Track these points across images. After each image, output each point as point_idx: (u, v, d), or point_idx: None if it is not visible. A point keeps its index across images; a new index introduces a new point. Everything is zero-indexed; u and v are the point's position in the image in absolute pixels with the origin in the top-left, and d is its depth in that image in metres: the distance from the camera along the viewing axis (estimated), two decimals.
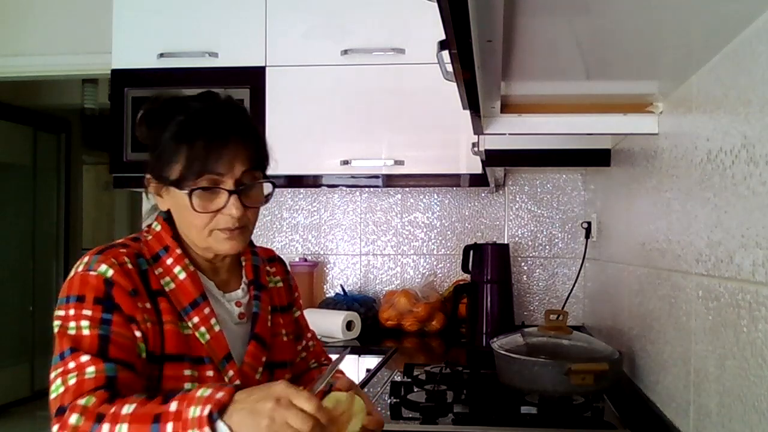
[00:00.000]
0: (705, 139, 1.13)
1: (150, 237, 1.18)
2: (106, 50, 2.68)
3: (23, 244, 5.78)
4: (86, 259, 1.10)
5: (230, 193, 1.11)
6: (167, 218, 1.18)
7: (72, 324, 1.04)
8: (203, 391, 0.95)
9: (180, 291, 1.13)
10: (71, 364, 1.00)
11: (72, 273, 1.09)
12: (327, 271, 2.95)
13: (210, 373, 1.11)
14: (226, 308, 1.19)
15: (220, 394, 0.94)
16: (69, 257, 6.17)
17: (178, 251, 1.15)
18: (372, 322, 2.70)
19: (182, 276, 1.14)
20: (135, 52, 2.65)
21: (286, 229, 2.95)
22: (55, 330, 1.05)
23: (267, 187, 1.18)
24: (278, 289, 1.32)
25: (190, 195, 1.09)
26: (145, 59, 2.62)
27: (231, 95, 1.22)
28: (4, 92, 4.98)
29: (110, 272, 1.07)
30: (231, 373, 1.13)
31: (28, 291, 5.78)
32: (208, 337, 1.12)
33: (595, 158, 2.04)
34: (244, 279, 1.25)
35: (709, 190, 1.10)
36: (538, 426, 1.50)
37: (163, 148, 1.12)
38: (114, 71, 2.67)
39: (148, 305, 1.09)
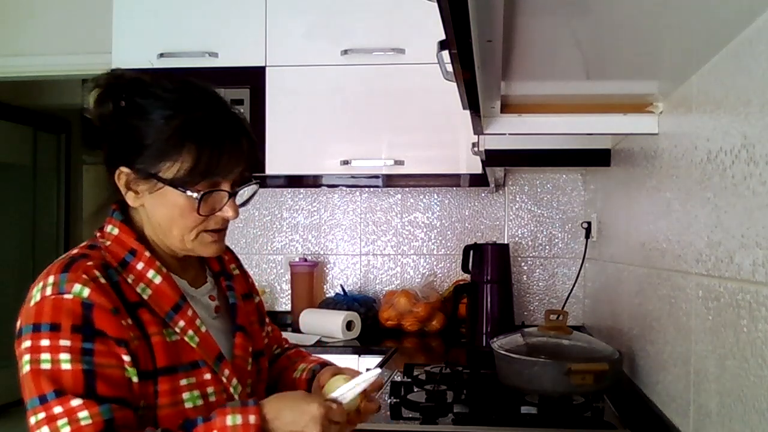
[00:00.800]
0: (705, 139, 1.13)
1: (108, 242, 1.08)
2: (106, 50, 2.68)
3: (23, 244, 5.77)
4: (51, 278, 0.98)
5: (230, 195, 1.07)
6: (123, 219, 1.10)
7: (46, 356, 0.93)
8: (233, 419, 0.93)
9: (159, 296, 1.05)
10: (57, 409, 0.91)
11: (37, 297, 0.98)
12: (327, 271, 2.95)
13: (207, 375, 1.06)
14: (202, 304, 1.15)
15: (252, 419, 0.93)
16: None
17: (147, 254, 1.07)
18: (372, 322, 2.70)
19: (157, 280, 1.06)
20: (135, 52, 2.65)
21: (286, 229, 2.95)
22: (25, 367, 0.94)
23: (251, 189, 1.13)
24: (238, 277, 1.28)
25: (200, 199, 1.04)
26: (145, 59, 2.62)
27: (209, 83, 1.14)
28: (4, 92, 4.97)
29: (86, 292, 0.96)
30: (227, 372, 1.09)
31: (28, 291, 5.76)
32: (197, 339, 1.07)
33: (595, 158, 2.04)
34: (208, 272, 1.21)
35: (709, 190, 1.10)
36: (538, 426, 1.50)
37: (157, 144, 1.03)
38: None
39: (129, 321, 1.00)
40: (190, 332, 1.06)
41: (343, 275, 2.94)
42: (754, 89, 0.92)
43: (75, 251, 1.07)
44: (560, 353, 1.57)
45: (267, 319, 1.36)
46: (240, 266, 1.31)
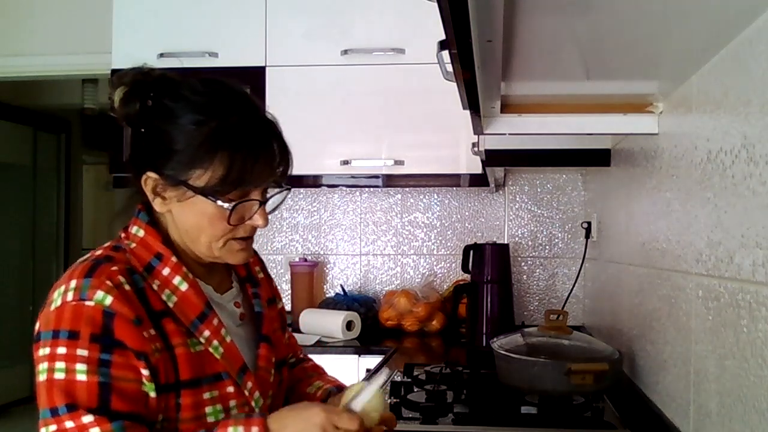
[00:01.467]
0: (705, 139, 1.13)
1: (134, 245, 1.04)
2: (106, 50, 2.68)
3: (23, 244, 5.78)
4: (74, 283, 0.94)
5: (261, 203, 1.04)
6: (149, 220, 1.06)
7: (61, 365, 0.90)
8: (234, 431, 0.92)
9: (184, 304, 1.01)
10: (68, 423, 0.89)
11: (58, 301, 0.94)
12: (327, 271, 2.95)
13: (230, 389, 1.03)
14: (227, 311, 1.11)
15: (254, 430, 0.91)
16: (69, 257, 6.17)
17: (174, 259, 1.03)
18: (372, 322, 2.70)
19: (184, 287, 1.02)
20: (135, 52, 2.64)
21: (286, 229, 2.95)
22: (41, 375, 0.91)
23: (281, 194, 1.11)
24: (262, 282, 1.24)
25: (233, 209, 1.00)
26: (145, 59, 2.59)
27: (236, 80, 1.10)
28: (4, 92, 4.97)
29: (108, 300, 0.93)
30: (250, 384, 1.06)
31: (28, 291, 5.78)
32: (221, 350, 1.03)
33: (595, 158, 2.04)
34: (234, 276, 1.17)
35: (709, 190, 1.10)
36: (538, 426, 1.50)
37: (187, 150, 0.99)
38: (114, 71, 2.66)
39: (152, 331, 0.96)
40: (215, 342, 1.03)
41: (343, 275, 2.94)
42: (754, 89, 0.92)
43: (99, 252, 1.02)
44: (560, 353, 1.57)
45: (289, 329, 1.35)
46: (264, 269, 1.27)
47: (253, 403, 1.06)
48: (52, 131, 6.09)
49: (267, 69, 2.58)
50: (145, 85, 1.03)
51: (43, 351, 0.92)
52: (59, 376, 0.90)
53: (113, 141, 2.68)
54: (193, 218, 1.03)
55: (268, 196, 1.06)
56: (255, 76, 2.57)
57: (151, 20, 2.67)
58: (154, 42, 2.63)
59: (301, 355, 1.38)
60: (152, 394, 0.95)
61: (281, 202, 1.12)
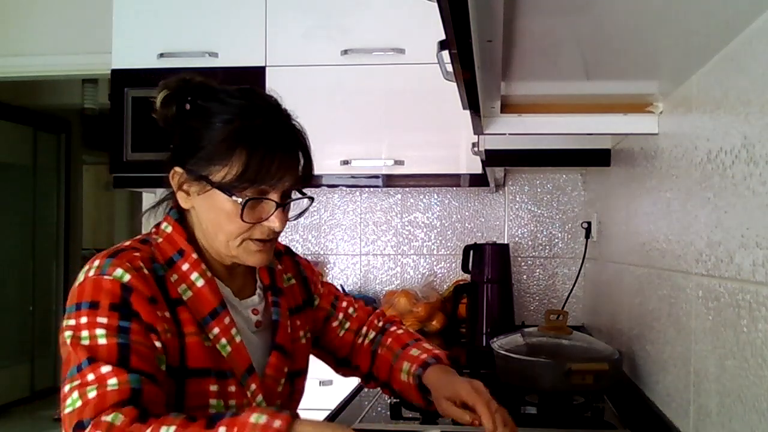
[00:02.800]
0: (705, 139, 1.13)
1: (160, 239, 1.09)
2: (106, 50, 2.69)
3: (23, 244, 5.78)
4: (97, 262, 1.01)
5: (278, 205, 1.05)
6: (178, 218, 1.11)
7: (85, 333, 0.95)
8: (257, 417, 0.88)
9: (198, 299, 1.05)
10: (90, 376, 0.92)
11: (81, 278, 1.00)
12: (327, 271, 2.94)
13: (232, 388, 1.05)
14: (243, 316, 1.13)
15: (277, 423, 0.88)
16: (69, 257, 6.18)
17: (194, 256, 1.08)
18: None
19: (200, 283, 1.06)
20: (135, 52, 2.65)
21: (286, 228, 2.94)
22: (68, 341, 0.96)
23: (305, 203, 1.13)
24: (292, 288, 1.26)
25: (244, 204, 1.02)
26: (145, 59, 2.62)
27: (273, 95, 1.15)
28: (4, 92, 4.98)
29: (126, 277, 0.98)
30: (253, 386, 1.08)
31: (28, 291, 5.78)
32: (229, 349, 1.06)
33: (595, 158, 2.04)
34: (259, 284, 1.19)
35: (709, 190, 1.10)
36: (538, 426, 1.50)
37: (210, 147, 1.03)
38: (114, 71, 2.67)
39: (167, 314, 1.01)
40: (223, 341, 1.06)
41: (343, 275, 2.94)
42: (754, 89, 0.92)
43: (127, 243, 1.08)
44: (560, 353, 1.57)
45: (344, 303, 1.34)
46: (298, 274, 1.29)
47: (255, 405, 1.07)
48: (52, 131, 6.09)
49: (267, 69, 2.59)
50: (184, 89, 1.08)
51: (68, 322, 0.97)
52: (84, 342, 0.95)
53: (113, 141, 2.68)
54: (212, 214, 1.06)
55: (287, 201, 1.08)
56: (255, 76, 2.57)
57: (151, 20, 2.67)
58: (154, 42, 2.63)
59: (379, 323, 1.35)
60: (163, 367, 0.99)
61: (304, 212, 1.14)
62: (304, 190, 1.12)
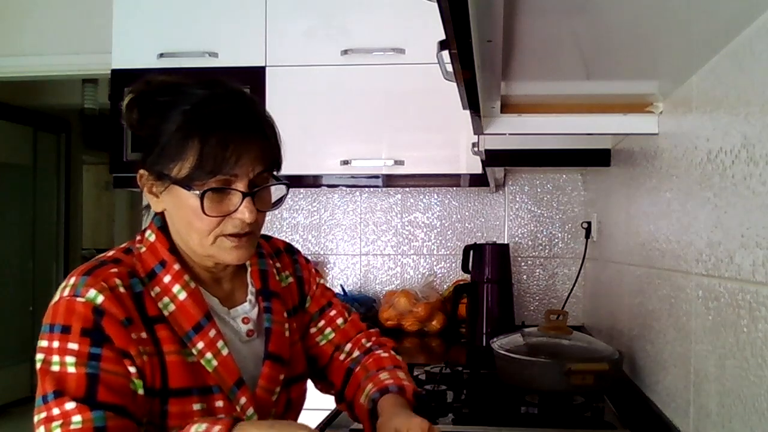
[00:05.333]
0: (705, 139, 1.13)
1: (144, 249, 1.05)
2: (106, 50, 2.68)
3: (23, 244, 5.78)
4: (73, 280, 0.97)
5: (244, 195, 1.00)
6: (161, 226, 1.07)
7: (56, 358, 0.93)
8: (197, 428, 0.90)
9: (181, 313, 1.01)
10: (55, 410, 0.91)
11: (57, 296, 0.97)
12: (327, 271, 2.94)
13: (220, 403, 1.02)
14: (231, 327, 1.08)
15: (216, 429, 0.89)
16: (69, 257, 6.19)
17: (176, 267, 1.04)
18: (372, 323, 2.70)
19: (182, 296, 1.02)
20: (135, 52, 2.65)
21: (286, 229, 2.95)
22: (38, 365, 0.94)
23: (280, 190, 1.08)
24: (290, 288, 1.21)
25: (202, 197, 0.98)
26: (145, 59, 2.62)
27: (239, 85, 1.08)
28: (4, 92, 4.98)
29: (100, 298, 0.95)
30: (243, 400, 1.04)
31: (28, 291, 5.78)
32: (215, 363, 1.02)
33: (595, 158, 2.04)
34: (250, 288, 1.14)
35: (709, 190, 1.10)
36: (538, 426, 1.50)
37: (165, 142, 0.99)
38: (114, 71, 2.67)
39: (143, 335, 0.98)
40: (208, 355, 1.02)
41: (343, 275, 2.94)
42: (754, 89, 0.92)
43: (110, 253, 1.05)
44: (560, 353, 1.57)
45: (334, 311, 1.26)
46: (295, 272, 1.24)
47: (245, 419, 1.02)
48: (52, 131, 6.09)
49: (267, 69, 2.59)
50: (147, 92, 1.04)
51: (42, 343, 0.95)
52: (54, 368, 0.93)
53: (113, 141, 2.68)
54: (181, 213, 1.02)
55: (254, 190, 1.02)
56: (255, 76, 2.57)
57: (151, 20, 2.67)
58: (154, 42, 2.63)
59: (367, 343, 1.27)
60: (140, 392, 0.96)
61: (281, 199, 1.10)
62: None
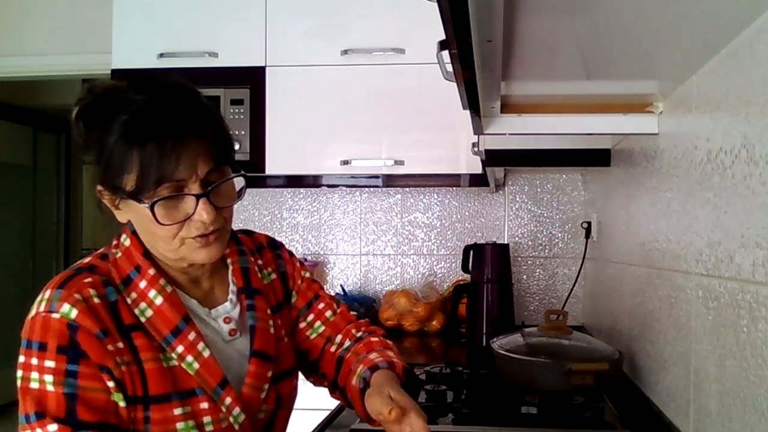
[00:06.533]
0: (705, 139, 1.13)
1: (119, 254, 1.04)
2: (106, 50, 2.68)
3: (23, 243, 5.78)
4: (48, 293, 0.97)
5: (198, 197, 0.97)
6: (135, 231, 1.05)
7: (35, 375, 0.93)
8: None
9: (159, 318, 1.00)
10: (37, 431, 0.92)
11: (33, 311, 0.97)
12: (327, 271, 2.94)
13: (204, 405, 1.01)
14: (213, 328, 1.07)
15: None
16: (69, 257, 6.17)
17: (152, 271, 1.02)
18: (372, 323, 2.69)
19: (159, 301, 1.01)
20: (135, 52, 2.65)
21: (286, 229, 2.95)
22: (18, 382, 0.94)
23: (238, 182, 1.03)
24: (273, 285, 1.19)
25: (152, 208, 0.95)
26: (145, 59, 2.62)
27: (181, 77, 1.03)
28: (4, 92, 4.97)
29: (74, 313, 0.94)
30: (229, 400, 1.03)
31: (28, 291, 5.76)
32: (196, 366, 1.01)
33: (595, 158, 2.04)
34: (231, 287, 1.12)
35: (709, 190, 1.10)
36: (538, 426, 1.50)
37: (109, 155, 0.96)
38: (114, 71, 2.66)
39: (120, 345, 0.97)
40: (189, 358, 1.01)
41: (343, 275, 2.94)
42: (754, 89, 0.92)
43: (87, 260, 1.04)
44: (560, 353, 1.57)
45: (322, 304, 1.24)
46: (278, 267, 1.21)
47: (231, 419, 1.03)
48: (52, 131, 6.09)
49: (267, 69, 2.58)
50: (89, 104, 1.00)
51: (21, 359, 0.96)
52: (34, 385, 0.94)
53: None
54: (142, 223, 1.01)
55: (208, 189, 0.98)
56: (255, 76, 2.57)
57: (151, 20, 2.67)
58: (154, 42, 2.63)
59: (358, 332, 1.25)
60: (122, 404, 0.96)
61: (242, 191, 1.05)
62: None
